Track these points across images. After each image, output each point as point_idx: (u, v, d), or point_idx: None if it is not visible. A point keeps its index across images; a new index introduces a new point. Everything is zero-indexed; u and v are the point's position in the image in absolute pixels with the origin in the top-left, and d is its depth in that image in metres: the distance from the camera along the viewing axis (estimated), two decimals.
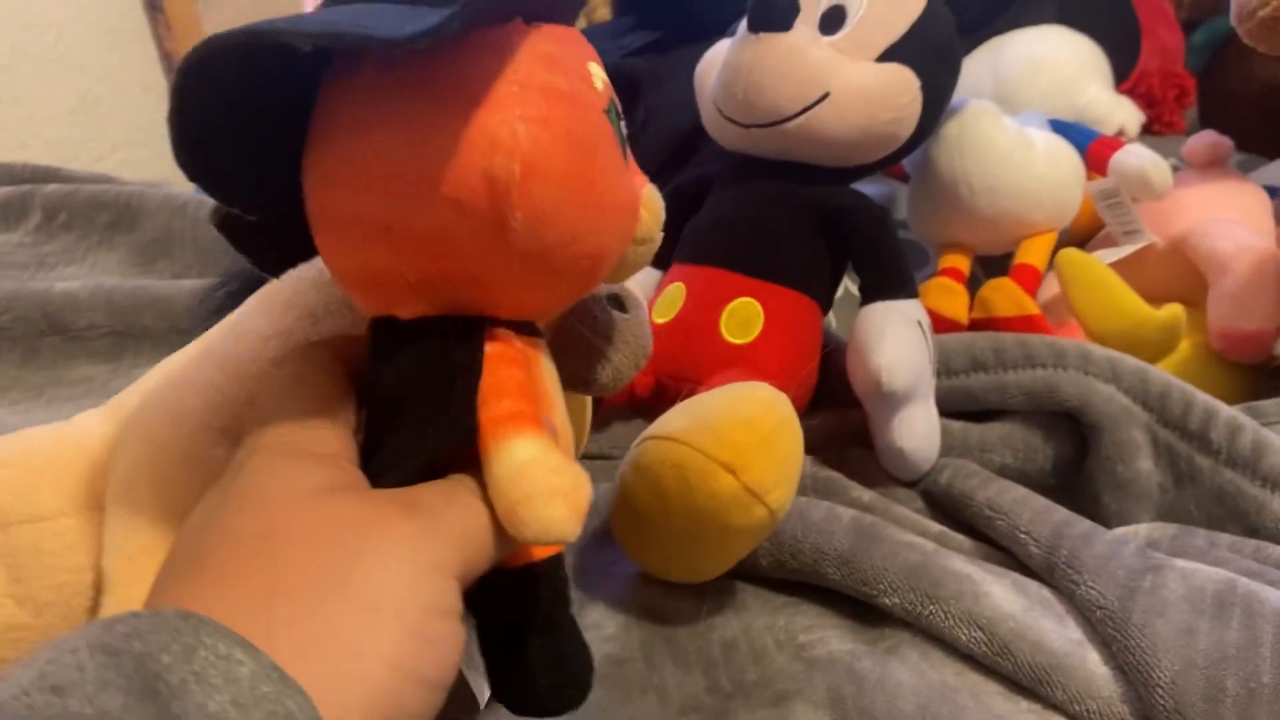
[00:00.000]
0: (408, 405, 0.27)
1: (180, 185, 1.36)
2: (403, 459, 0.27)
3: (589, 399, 0.48)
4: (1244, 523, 0.47)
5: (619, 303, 0.40)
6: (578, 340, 0.38)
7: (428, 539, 0.25)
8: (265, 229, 0.30)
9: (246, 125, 0.26)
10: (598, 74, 0.29)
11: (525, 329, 0.30)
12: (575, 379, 0.38)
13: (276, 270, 0.32)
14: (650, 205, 0.32)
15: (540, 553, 0.31)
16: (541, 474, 0.26)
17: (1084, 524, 0.44)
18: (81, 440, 0.36)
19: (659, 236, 0.34)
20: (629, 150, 0.31)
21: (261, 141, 0.27)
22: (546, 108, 0.26)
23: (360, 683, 0.22)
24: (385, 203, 0.26)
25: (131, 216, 0.93)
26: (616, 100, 0.30)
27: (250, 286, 0.43)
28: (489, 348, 0.28)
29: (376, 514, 0.25)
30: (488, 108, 0.25)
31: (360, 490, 0.26)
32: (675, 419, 0.41)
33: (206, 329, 0.39)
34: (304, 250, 0.29)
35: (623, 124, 0.31)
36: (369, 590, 0.23)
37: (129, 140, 1.46)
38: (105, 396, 0.48)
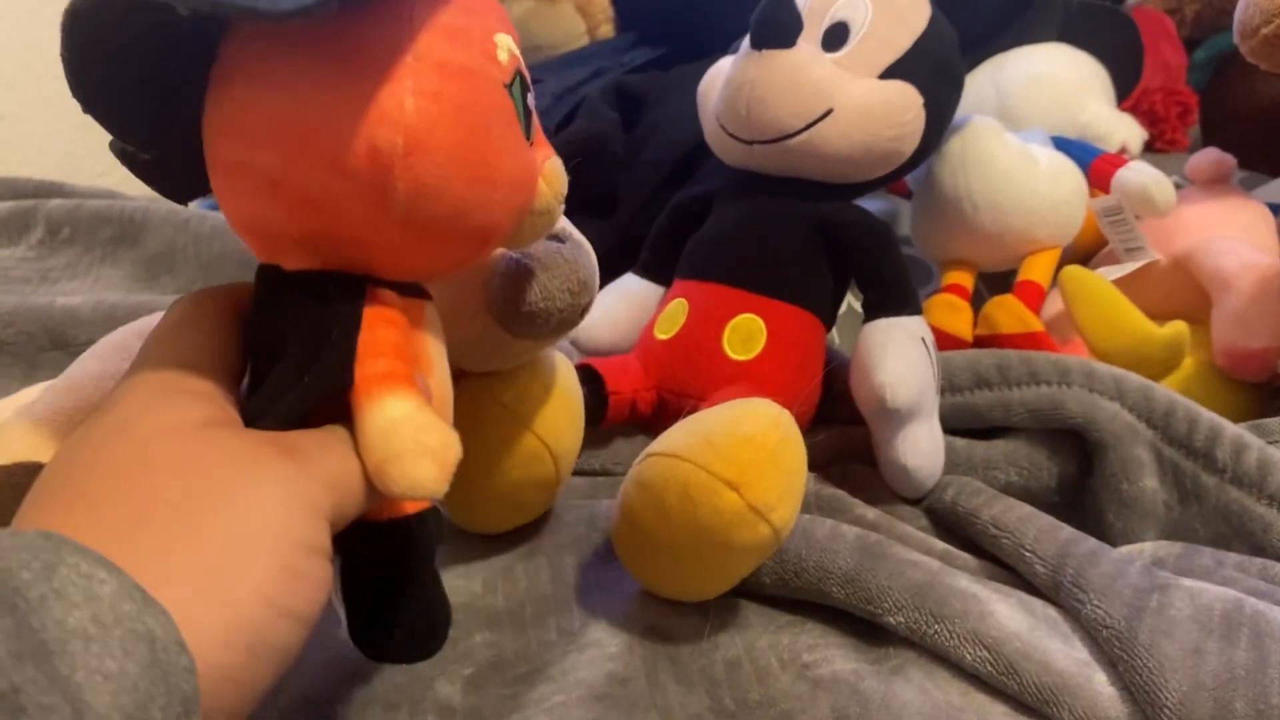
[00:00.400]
0: (284, 354, 0.28)
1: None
2: (276, 405, 0.28)
3: (579, 406, 0.47)
4: (1250, 542, 0.47)
5: (555, 237, 0.39)
6: (508, 266, 0.38)
7: (303, 480, 0.26)
8: (167, 164, 0.30)
9: (143, 64, 0.26)
10: (504, 44, 0.30)
11: (411, 290, 0.31)
12: (509, 307, 0.38)
13: (182, 200, 0.32)
14: (550, 178, 0.33)
15: (407, 508, 0.31)
16: (411, 432, 0.27)
17: (1090, 542, 0.43)
18: (14, 404, 0.37)
19: (558, 209, 0.34)
20: (533, 121, 0.32)
21: (159, 80, 0.27)
22: (440, 82, 0.27)
23: (227, 609, 0.22)
24: (274, 158, 0.27)
25: (135, 231, 0.93)
26: (525, 71, 0.31)
27: None
28: (369, 308, 0.29)
29: (254, 451, 0.25)
30: (380, 78, 0.26)
31: (237, 428, 0.27)
32: (678, 435, 0.40)
33: None
34: (205, 183, 0.30)
35: (530, 96, 0.31)
36: (243, 522, 0.24)
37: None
38: None
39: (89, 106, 0.26)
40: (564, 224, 0.41)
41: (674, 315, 0.58)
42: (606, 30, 1.06)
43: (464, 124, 0.27)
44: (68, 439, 0.26)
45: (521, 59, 0.31)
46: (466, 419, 0.35)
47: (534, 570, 0.46)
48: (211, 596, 0.22)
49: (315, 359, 0.28)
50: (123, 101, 0.27)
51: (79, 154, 1.42)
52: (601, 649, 0.40)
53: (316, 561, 0.25)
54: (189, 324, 0.29)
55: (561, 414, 0.46)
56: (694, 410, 0.44)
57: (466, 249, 0.31)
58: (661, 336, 0.57)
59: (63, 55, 0.24)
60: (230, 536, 0.23)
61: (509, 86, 0.29)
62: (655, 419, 0.56)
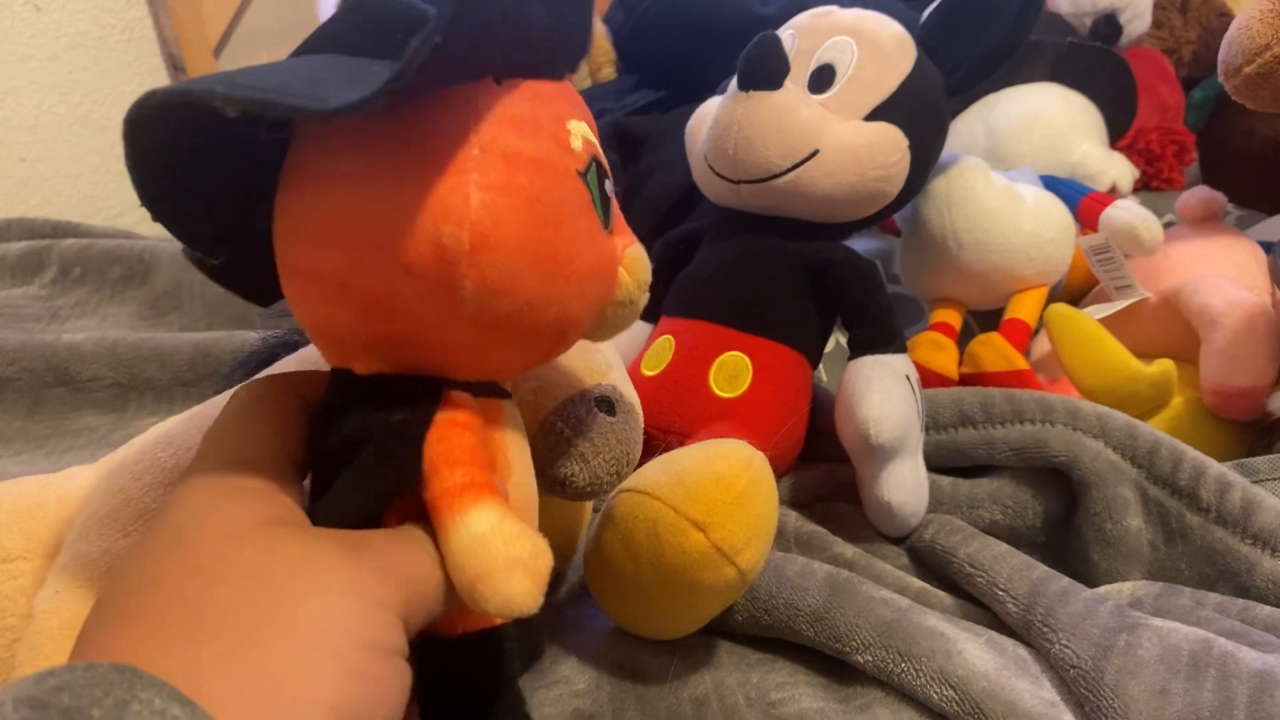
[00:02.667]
0: (352, 461, 0.27)
1: None
2: (343, 509, 0.27)
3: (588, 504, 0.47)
4: (1234, 582, 0.47)
5: (609, 405, 0.38)
6: (556, 438, 0.37)
7: (367, 573, 0.24)
8: (238, 268, 0.29)
9: (205, 171, 0.26)
10: (578, 132, 0.28)
11: (487, 389, 0.30)
12: (551, 480, 0.37)
13: (264, 302, 0.32)
14: (633, 267, 0.31)
15: (479, 622, 0.30)
16: (500, 545, 0.26)
17: (1062, 581, 0.43)
18: (63, 489, 0.37)
19: (642, 298, 0.32)
20: (612, 209, 0.30)
21: (223, 187, 0.27)
22: (507, 174, 0.26)
23: None
24: (341, 260, 0.26)
25: (144, 270, 0.94)
26: (601, 158, 0.29)
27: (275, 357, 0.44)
28: (442, 412, 0.27)
29: (315, 548, 0.24)
30: (445, 171, 0.25)
31: (295, 525, 0.26)
32: (650, 472, 0.41)
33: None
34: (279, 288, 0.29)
35: (607, 183, 0.30)
36: (303, 628, 0.22)
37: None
38: (107, 447, 0.48)
39: (156, 214, 0.26)
40: (619, 381, 0.40)
41: (661, 352, 0.58)
42: (609, 72, 1.08)
43: (534, 216, 0.26)
44: (128, 550, 0.25)
45: (594, 141, 0.30)
46: None
47: None
48: (277, 715, 0.21)
49: (383, 466, 0.27)
50: (188, 208, 0.27)
51: (97, 195, 1.44)
52: (569, 685, 0.40)
53: (389, 662, 0.24)
54: (248, 416, 0.28)
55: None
56: (672, 447, 0.44)
57: (543, 346, 0.29)
58: (648, 373, 0.58)
59: (127, 164, 0.24)
60: (291, 646, 0.22)
61: (583, 174, 0.28)
62: (641, 455, 0.57)
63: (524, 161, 0.26)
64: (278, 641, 0.22)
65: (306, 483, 0.29)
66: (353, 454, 0.27)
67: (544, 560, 0.26)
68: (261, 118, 0.22)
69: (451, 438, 0.27)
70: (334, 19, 0.26)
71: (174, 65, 1.50)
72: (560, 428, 0.36)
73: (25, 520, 0.35)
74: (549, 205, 0.27)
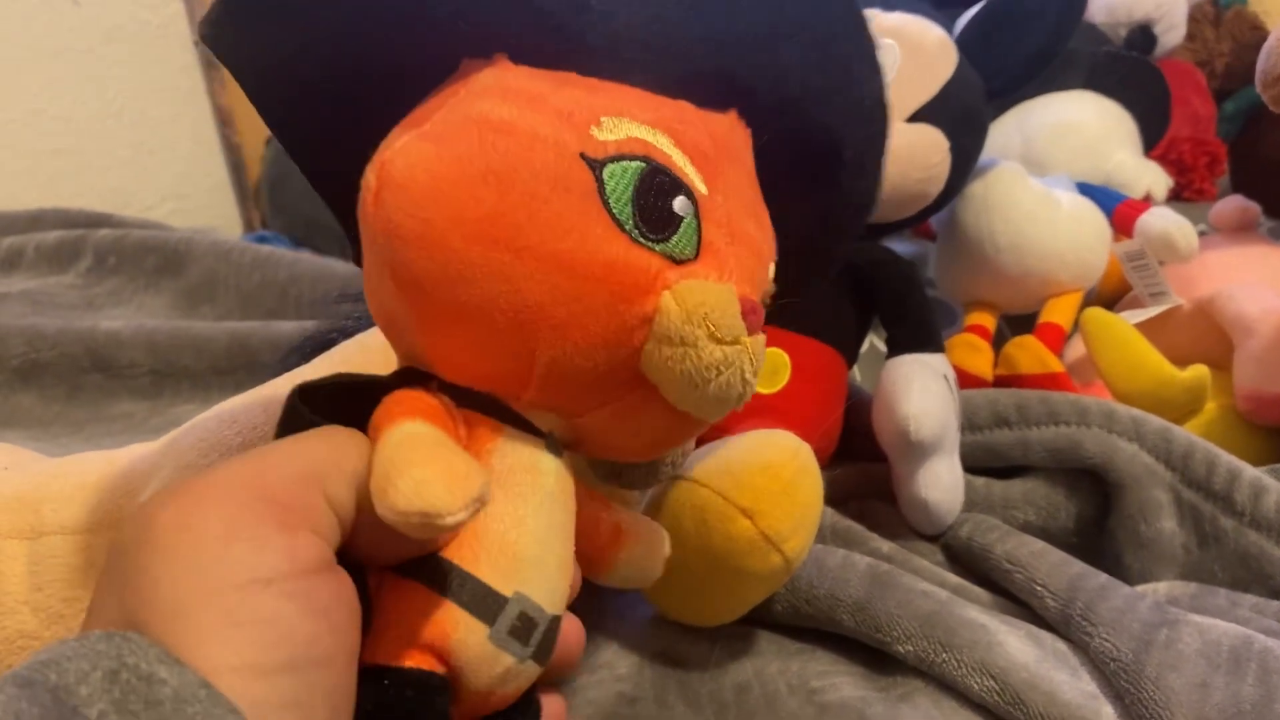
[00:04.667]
0: None
1: (226, 232, 1.40)
2: None
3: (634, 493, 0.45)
4: (1269, 585, 0.47)
5: None
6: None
7: (241, 505, 0.22)
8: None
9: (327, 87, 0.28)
10: (616, 126, 0.26)
11: (482, 405, 0.27)
12: (608, 470, 0.34)
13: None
14: (684, 295, 0.26)
15: (423, 658, 0.25)
16: (429, 444, 0.23)
17: (1100, 577, 0.43)
18: (129, 464, 0.37)
19: (701, 343, 0.26)
20: (683, 231, 0.26)
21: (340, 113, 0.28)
22: (458, 130, 0.25)
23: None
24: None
25: (178, 261, 0.95)
26: (664, 166, 0.26)
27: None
28: (408, 391, 0.26)
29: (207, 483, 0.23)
30: (408, 126, 0.26)
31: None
32: (697, 461, 0.41)
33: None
34: None
35: (678, 200, 0.26)
36: (189, 599, 0.21)
37: (178, 191, 1.50)
38: (144, 434, 0.49)
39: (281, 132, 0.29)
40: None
41: None
42: None
43: (463, 170, 0.25)
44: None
45: (669, 152, 0.27)
46: None
47: None
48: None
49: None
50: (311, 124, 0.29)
51: (129, 188, 1.46)
52: (612, 670, 0.41)
53: (304, 583, 0.22)
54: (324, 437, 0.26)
55: None
56: (716, 439, 0.44)
57: (506, 343, 0.26)
58: None
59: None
60: (190, 621, 0.20)
61: (596, 161, 0.26)
62: None
63: (489, 124, 0.25)
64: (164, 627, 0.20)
65: None
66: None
67: (475, 481, 0.23)
68: None
69: (409, 399, 0.25)
70: None
71: (207, 61, 1.51)
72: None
73: (93, 494, 0.36)
74: (496, 167, 0.25)
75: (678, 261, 0.26)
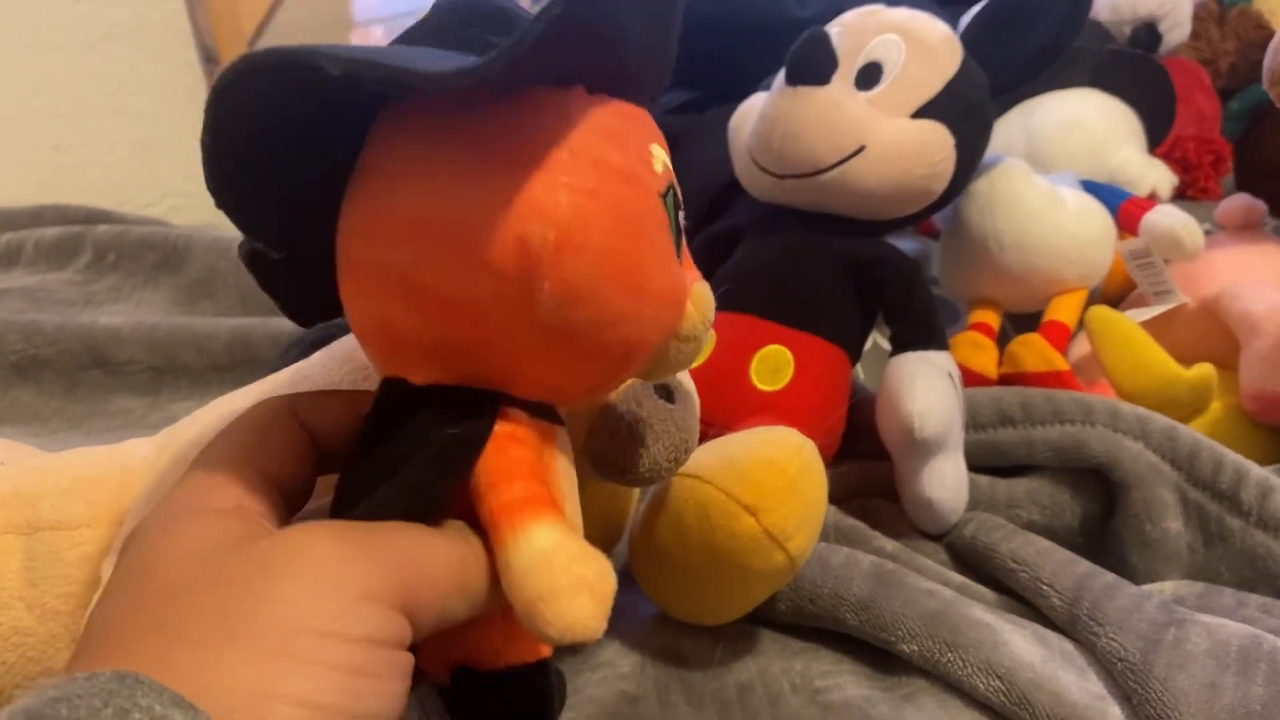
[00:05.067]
0: (395, 470, 0.26)
1: (226, 230, 1.39)
2: (375, 516, 0.26)
3: (635, 490, 0.47)
4: (1275, 585, 0.47)
5: (667, 392, 0.38)
6: (616, 423, 0.36)
7: (355, 563, 0.23)
8: (294, 273, 0.28)
9: (284, 155, 0.25)
10: (659, 157, 0.28)
11: (543, 412, 0.29)
12: (611, 466, 0.36)
13: (306, 320, 0.31)
14: (699, 301, 0.29)
15: (526, 655, 0.28)
16: (564, 563, 0.24)
17: (1107, 576, 0.43)
18: (126, 459, 0.37)
19: (705, 336, 0.31)
20: (684, 242, 0.29)
21: (298, 175, 0.26)
22: (597, 180, 0.25)
23: None
24: (413, 255, 0.25)
25: (178, 258, 0.95)
26: (677, 188, 0.29)
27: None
28: (499, 426, 0.26)
29: (297, 543, 0.23)
30: (534, 169, 0.24)
31: (268, 534, 0.24)
32: (701, 457, 0.41)
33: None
34: (333, 302, 0.28)
35: (681, 214, 0.29)
36: (278, 627, 0.22)
37: (179, 188, 1.49)
38: (143, 430, 0.49)
39: (221, 198, 0.25)
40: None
41: None
42: None
43: (620, 225, 0.25)
44: (112, 577, 0.25)
45: (670, 166, 0.29)
46: None
47: None
48: (253, 713, 0.21)
49: (437, 474, 0.26)
50: (256, 195, 0.26)
51: (129, 184, 1.46)
52: (614, 669, 0.41)
53: (382, 655, 0.23)
54: (230, 439, 0.28)
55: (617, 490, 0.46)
56: (719, 436, 0.44)
57: (610, 366, 0.28)
58: None
59: (203, 139, 0.23)
60: (267, 643, 0.21)
61: (663, 196, 0.27)
62: None
63: (612, 171, 0.25)
64: (249, 642, 0.21)
65: (325, 502, 0.28)
66: (401, 464, 0.26)
67: (609, 582, 0.25)
68: (365, 79, 0.22)
69: (509, 451, 0.26)
70: (423, 21, 0.26)
71: (208, 57, 1.51)
72: (621, 412, 0.36)
73: (90, 489, 0.35)
74: (634, 217, 0.26)
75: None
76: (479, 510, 0.26)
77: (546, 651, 0.29)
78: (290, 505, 0.28)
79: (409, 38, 0.27)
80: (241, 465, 0.26)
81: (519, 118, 0.25)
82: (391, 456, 0.26)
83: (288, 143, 0.25)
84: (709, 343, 0.57)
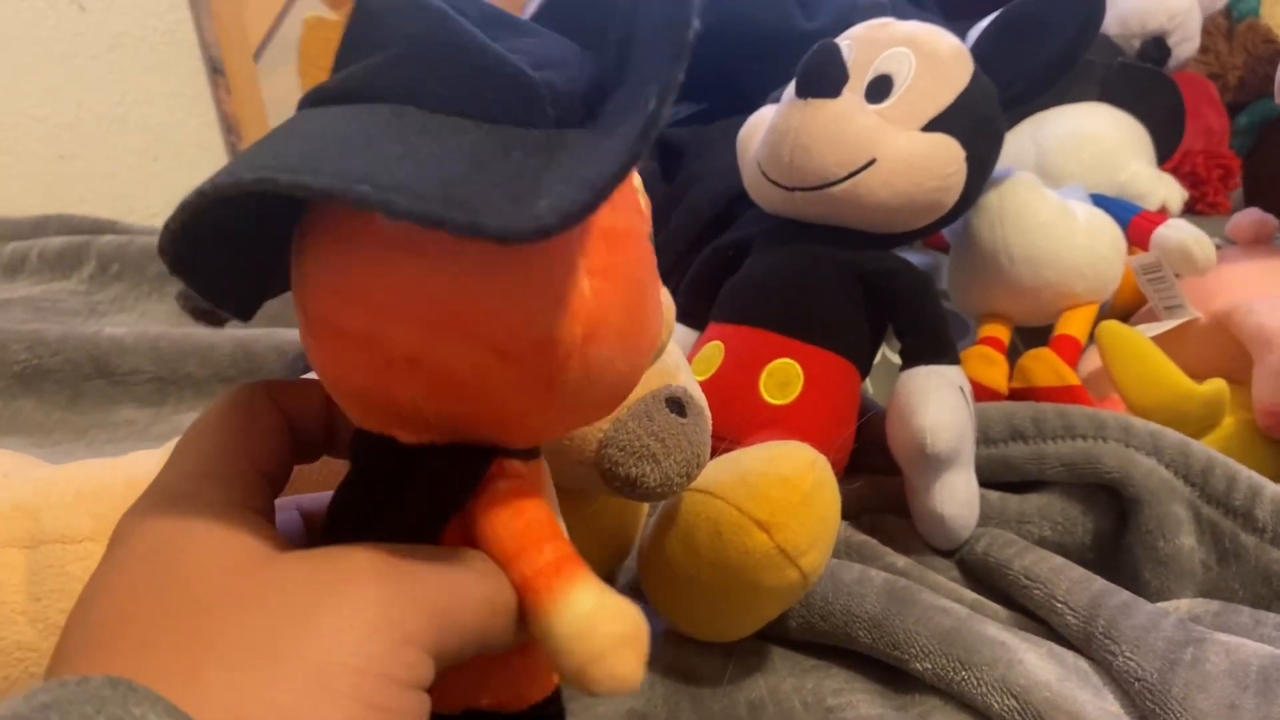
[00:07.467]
0: (387, 515, 0.25)
1: None
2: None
3: (645, 505, 0.47)
4: None
5: (679, 406, 0.38)
6: (628, 438, 0.36)
7: (397, 606, 0.23)
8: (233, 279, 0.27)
9: (252, 244, 0.24)
10: (639, 188, 0.27)
11: (530, 453, 0.28)
12: (623, 481, 0.36)
13: (241, 314, 0.28)
14: (667, 315, 0.30)
15: (545, 689, 0.29)
16: (608, 624, 0.24)
17: (1122, 594, 0.43)
18: (130, 471, 0.37)
19: (669, 340, 0.32)
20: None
21: (264, 259, 0.25)
22: (607, 253, 0.24)
23: None
24: (414, 335, 0.23)
25: None
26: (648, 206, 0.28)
27: None
28: (505, 483, 0.26)
29: (338, 571, 0.23)
30: (551, 256, 0.23)
31: (302, 551, 0.24)
32: (712, 472, 0.40)
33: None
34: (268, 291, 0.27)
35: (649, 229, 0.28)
36: (316, 657, 0.21)
37: (183, 198, 1.49)
38: (147, 441, 0.48)
39: (181, 272, 0.23)
40: (688, 382, 0.40)
41: (710, 358, 0.58)
42: None
43: (630, 297, 0.25)
44: (94, 578, 0.24)
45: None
46: None
47: None
48: None
49: (424, 532, 0.25)
50: (221, 276, 0.25)
51: (133, 194, 1.46)
52: None
53: (409, 696, 0.23)
54: (217, 428, 0.26)
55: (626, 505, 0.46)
56: (729, 452, 0.44)
57: (604, 412, 0.28)
58: (697, 379, 0.57)
59: (169, 231, 0.22)
60: (302, 675, 0.21)
61: (651, 235, 0.27)
62: None
63: (617, 237, 0.24)
64: (286, 669, 0.21)
65: (327, 495, 0.27)
66: (392, 510, 0.26)
67: (645, 632, 0.25)
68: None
69: (527, 512, 0.26)
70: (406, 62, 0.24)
71: (213, 68, 1.51)
72: (632, 428, 0.36)
73: (93, 502, 0.35)
74: (639, 281, 0.25)
75: None
76: (508, 573, 0.25)
77: (558, 678, 0.29)
78: (272, 493, 0.27)
79: (400, 86, 0.24)
80: (237, 455, 0.26)
81: None
82: (376, 510, 0.26)
83: (254, 231, 0.24)
84: (718, 354, 0.57)
